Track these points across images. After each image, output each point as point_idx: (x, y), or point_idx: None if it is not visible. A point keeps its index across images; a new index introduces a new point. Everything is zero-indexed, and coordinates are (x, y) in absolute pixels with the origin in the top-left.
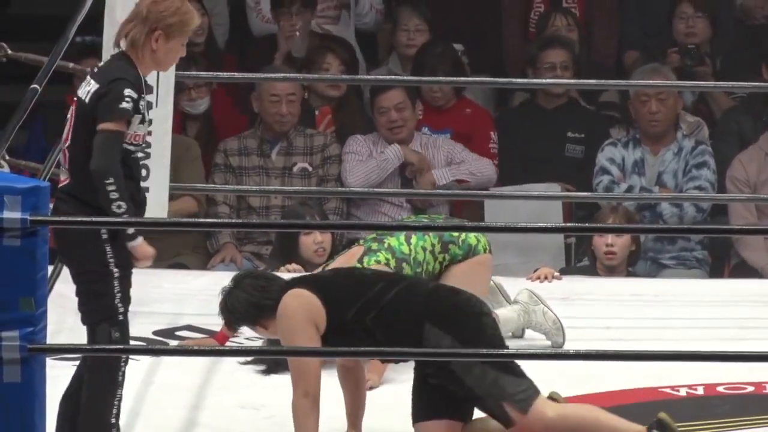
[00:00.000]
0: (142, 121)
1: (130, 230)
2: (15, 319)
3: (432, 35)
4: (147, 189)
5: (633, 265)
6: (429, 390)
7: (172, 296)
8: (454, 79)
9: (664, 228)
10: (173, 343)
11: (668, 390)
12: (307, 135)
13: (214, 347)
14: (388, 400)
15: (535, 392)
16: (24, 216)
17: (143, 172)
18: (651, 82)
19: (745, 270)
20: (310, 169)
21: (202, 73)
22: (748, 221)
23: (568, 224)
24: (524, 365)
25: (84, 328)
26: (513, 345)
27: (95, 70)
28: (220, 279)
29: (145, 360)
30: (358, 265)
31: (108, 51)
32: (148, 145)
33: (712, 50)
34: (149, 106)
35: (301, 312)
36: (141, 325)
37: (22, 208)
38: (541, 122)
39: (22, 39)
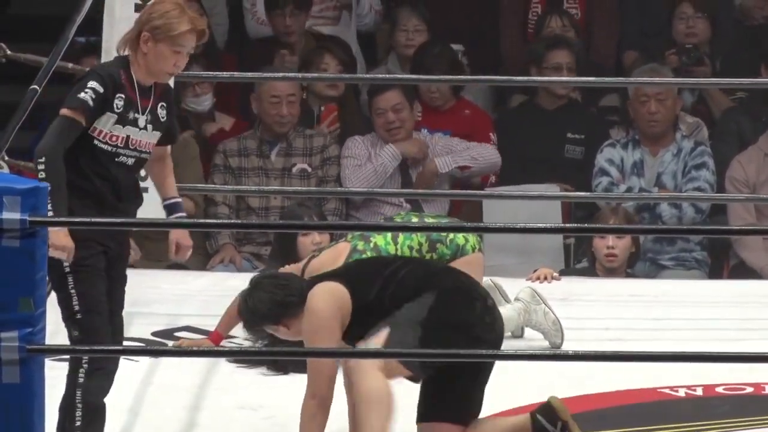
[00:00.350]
0: (121, 122)
1: (50, 212)
2: (14, 319)
3: (431, 35)
4: (146, 189)
5: (632, 266)
6: (435, 389)
7: (171, 297)
8: (454, 77)
9: (663, 228)
10: (172, 344)
11: (667, 390)
12: (306, 136)
13: (212, 348)
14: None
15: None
16: (23, 217)
17: (141, 173)
18: (652, 79)
19: (744, 271)
20: (310, 170)
21: (201, 72)
22: (748, 222)
23: (567, 225)
24: (524, 366)
25: None
26: (512, 346)
27: None
28: (220, 280)
29: (144, 361)
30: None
31: (108, 51)
32: (146, 152)
33: (711, 51)
34: (150, 113)
35: (331, 305)
36: (140, 326)
37: (22, 208)
38: (541, 123)
39: (21, 39)
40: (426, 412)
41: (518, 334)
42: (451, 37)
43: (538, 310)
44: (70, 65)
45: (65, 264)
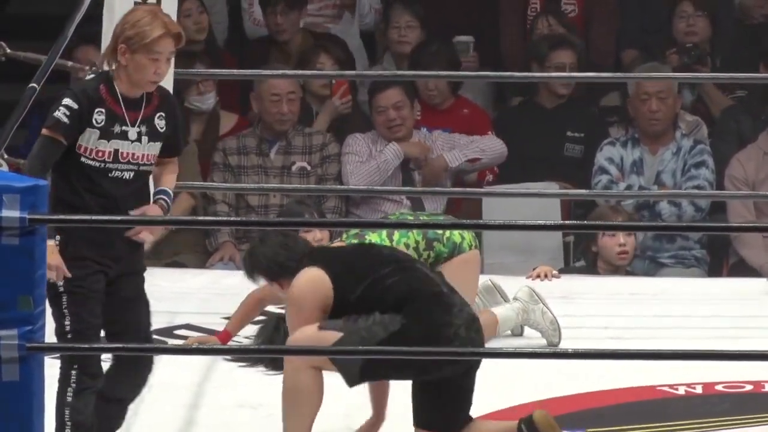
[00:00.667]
0: (106, 137)
1: None
2: (13, 318)
3: (426, 32)
4: None
5: (631, 264)
6: (424, 397)
7: (170, 295)
8: (454, 73)
9: (662, 225)
10: (172, 341)
11: (666, 388)
12: (305, 134)
13: (214, 346)
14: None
15: None
16: (23, 215)
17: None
18: (650, 75)
19: (743, 269)
20: (309, 168)
21: (201, 70)
22: (747, 220)
23: (566, 222)
24: (523, 364)
25: None
26: (511, 344)
27: None
28: (219, 277)
29: None
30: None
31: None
32: (146, 164)
33: (711, 49)
34: (143, 124)
35: (312, 295)
36: None
37: (21, 206)
38: (540, 121)
39: (20, 38)
40: (420, 419)
41: (518, 333)
42: (450, 34)
43: (536, 310)
44: (69, 63)
45: (59, 283)
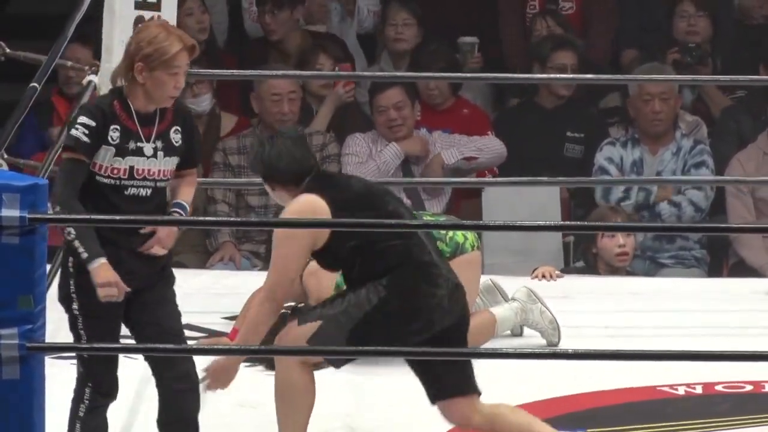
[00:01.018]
0: (121, 154)
1: (84, 253)
2: (14, 317)
3: (424, 30)
4: None
5: (630, 264)
6: (426, 367)
7: None
8: (454, 75)
9: (662, 226)
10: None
11: (667, 389)
12: (306, 135)
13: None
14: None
15: None
16: (23, 214)
17: None
18: (651, 76)
19: (743, 269)
20: None
21: (201, 70)
22: (747, 220)
23: (566, 222)
24: (523, 364)
25: None
26: (510, 344)
27: None
28: (219, 278)
29: (141, 359)
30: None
31: (108, 48)
32: (162, 180)
33: (712, 50)
34: (159, 139)
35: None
36: None
37: (21, 205)
38: (540, 122)
39: (20, 38)
40: (438, 392)
41: (517, 333)
42: (452, 34)
43: (534, 310)
44: (69, 63)
45: (75, 306)
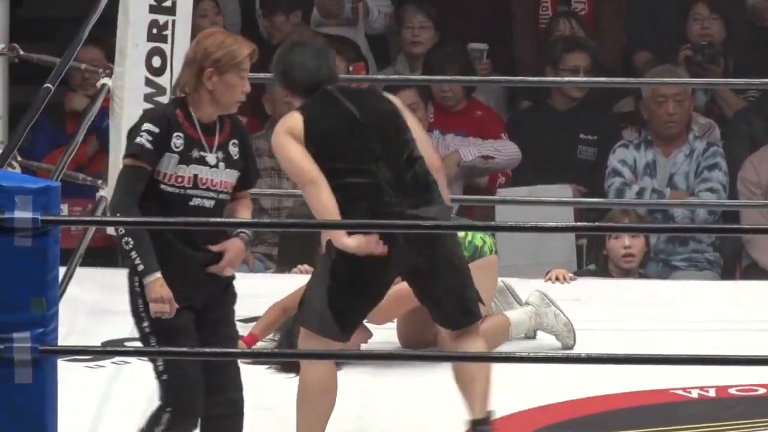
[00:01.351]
0: (185, 162)
1: (140, 265)
2: (26, 320)
3: (439, 33)
4: None
5: (644, 267)
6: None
7: None
8: (466, 78)
9: (675, 228)
10: None
11: (680, 392)
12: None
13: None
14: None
15: None
16: (35, 216)
17: None
18: (663, 80)
19: (756, 272)
20: None
21: None
22: (760, 223)
23: (578, 224)
24: (536, 367)
25: (96, 330)
26: (524, 347)
27: None
28: None
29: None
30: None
31: (122, 52)
32: (224, 192)
33: (725, 51)
34: (220, 150)
35: (292, 147)
36: None
37: (33, 207)
38: (553, 124)
39: (33, 40)
40: (448, 320)
41: (530, 335)
42: (466, 37)
43: (548, 313)
44: (83, 65)
45: (145, 325)
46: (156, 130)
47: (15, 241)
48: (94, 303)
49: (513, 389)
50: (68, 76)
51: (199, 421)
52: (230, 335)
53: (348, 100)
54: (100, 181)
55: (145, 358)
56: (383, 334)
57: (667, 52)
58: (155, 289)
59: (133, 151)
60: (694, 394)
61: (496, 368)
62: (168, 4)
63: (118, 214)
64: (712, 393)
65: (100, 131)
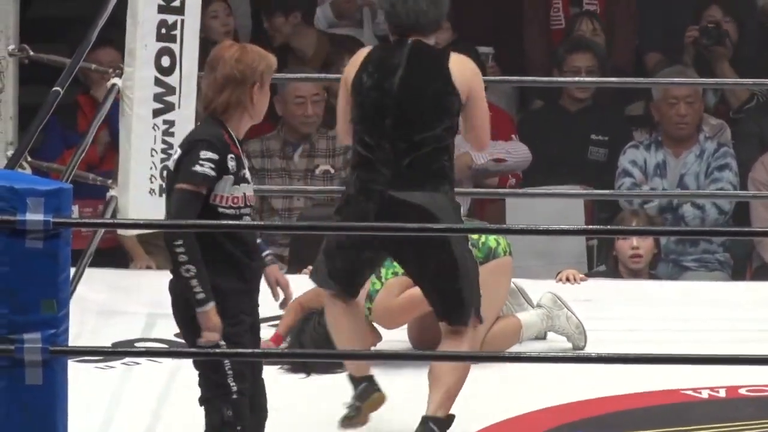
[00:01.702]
0: (237, 182)
1: (200, 295)
2: (37, 321)
3: (455, 35)
4: None
5: (654, 267)
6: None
7: None
8: None
9: (685, 230)
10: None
11: (690, 392)
12: (329, 137)
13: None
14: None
15: None
16: (47, 218)
17: None
18: (672, 80)
19: (767, 273)
20: (333, 171)
21: None
22: None
23: (589, 226)
24: (546, 368)
25: (106, 331)
26: (534, 348)
27: (184, 137)
28: None
29: (167, 362)
30: None
31: (131, 53)
32: (252, 206)
33: (736, 53)
34: (243, 165)
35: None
36: (162, 327)
37: (45, 209)
38: (564, 125)
39: (42, 41)
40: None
41: (541, 336)
42: (477, 38)
43: (560, 315)
44: (93, 66)
45: (222, 342)
46: (216, 157)
47: (26, 243)
48: (104, 304)
49: (523, 390)
50: (85, 78)
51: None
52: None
53: (406, 67)
54: (110, 181)
55: (157, 360)
56: (393, 335)
57: (679, 53)
58: (212, 318)
59: (194, 179)
60: (705, 394)
61: (505, 369)
62: (177, 3)
63: (180, 241)
64: (722, 393)
65: (114, 128)
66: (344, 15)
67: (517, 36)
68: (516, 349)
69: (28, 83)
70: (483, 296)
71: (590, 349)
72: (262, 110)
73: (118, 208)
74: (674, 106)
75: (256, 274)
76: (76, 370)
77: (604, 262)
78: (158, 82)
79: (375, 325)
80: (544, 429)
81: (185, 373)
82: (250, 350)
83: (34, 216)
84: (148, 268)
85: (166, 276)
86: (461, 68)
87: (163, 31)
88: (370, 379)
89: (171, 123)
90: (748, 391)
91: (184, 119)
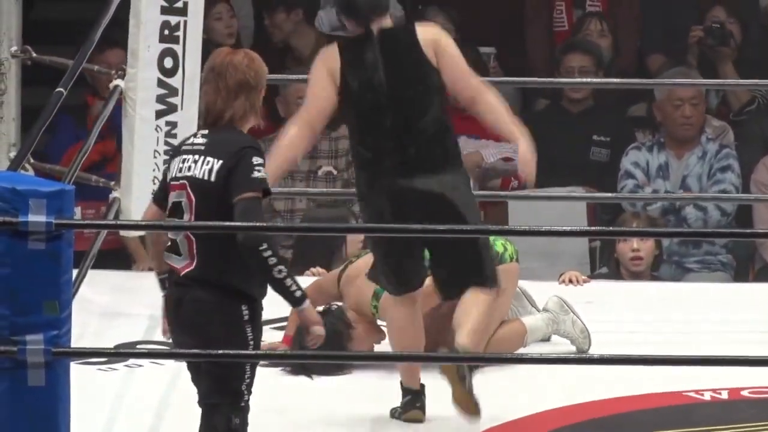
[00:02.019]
0: None
1: (298, 293)
2: (39, 322)
3: (459, 36)
4: None
5: (657, 269)
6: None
7: None
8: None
9: (687, 231)
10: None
11: (693, 394)
12: (332, 138)
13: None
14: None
15: None
16: (49, 219)
17: None
18: (673, 81)
19: None
20: (335, 172)
21: None
22: None
23: (591, 228)
24: (549, 369)
25: (109, 333)
26: (537, 350)
27: (202, 147)
28: None
29: (170, 364)
30: None
31: (133, 54)
32: None
33: (740, 54)
34: None
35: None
36: None
37: (47, 211)
38: (566, 126)
39: (45, 42)
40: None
41: (545, 338)
42: (480, 39)
43: (566, 320)
44: (96, 67)
45: (251, 341)
46: (263, 161)
47: (29, 244)
48: (106, 305)
49: (526, 391)
50: (92, 79)
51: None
52: None
53: (384, 61)
54: (113, 183)
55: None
56: None
57: (682, 54)
58: (314, 313)
59: (258, 186)
60: (707, 396)
61: (508, 370)
62: (179, 5)
63: (265, 245)
64: (724, 395)
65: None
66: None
67: (519, 38)
68: (520, 351)
69: (31, 85)
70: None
71: (592, 351)
72: (258, 112)
73: (121, 209)
74: (679, 108)
75: None
76: (78, 372)
77: (606, 264)
78: (161, 83)
79: (379, 323)
80: (546, 430)
81: (187, 375)
82: (254, 352)
83: (37, 217)
84: (151, 269)
85: None
86: (426, 37)
87: (166, 32)
88: (415, 393)
89: (174, 124)
90: (750, 392)
91: (187, 121)
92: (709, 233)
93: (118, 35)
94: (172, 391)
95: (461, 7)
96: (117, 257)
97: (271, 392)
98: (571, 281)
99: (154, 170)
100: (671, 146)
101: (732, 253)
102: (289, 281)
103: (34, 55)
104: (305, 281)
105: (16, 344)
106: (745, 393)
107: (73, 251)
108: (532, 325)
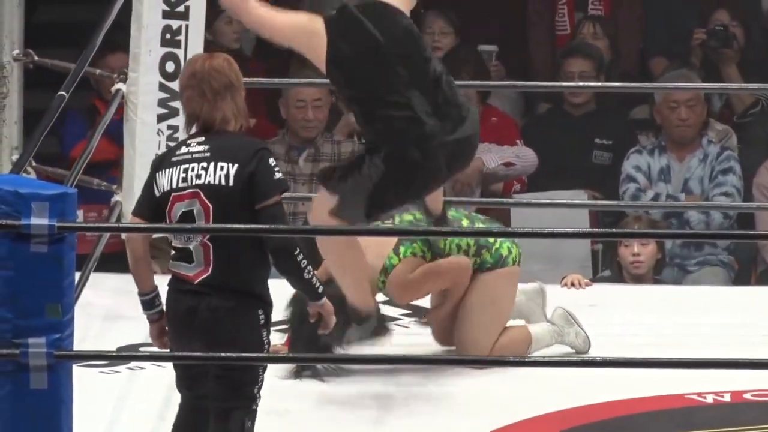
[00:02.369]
0: None
1: (321, 288)
2: (42, 325)
3: (459, 40)
4: None
5: (659, 272)
6: None
7: None
8: (477, 83)
9: (689, 233)
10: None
11: (695, 396)
12: (334, 141)
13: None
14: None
15: None
16: (51, 222)
17: None
18: (676, 84)
19: None
20: None
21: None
22: None
23: (593, 230)
24: (551, 372)
25: (111, 335)
26: (540, 352)
27: (208, 154)
28: None
29: (170, 366)
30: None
31: (135, 59)
32: None
33: (743, 57)
34: None
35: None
36: None
37: (50, 214)
38: (568, 129)
39: (47, 46)
40: None
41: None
42: (481, 37)
43: (570, 333)
44: (98, 71)
45: (265, 339)
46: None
47: (31, 247)
48: (109, 308)
49: (527, 395)
50: (96, 83)
51: None
52: None
53: (370, 21)
54: (115, 186)
55: (162, 365)
56: (404, 340)
57: (685, 57)
58: (331, 306)
59: (281, 187)
60: (710, 399)
61: (510, 373)
62: (181, 9)
63: (297, 249)
64: (727, 398)
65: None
66: None
67: (522, 42)
68: None
69: (33, 88)
70: (490, 303)
71: (594, 353)
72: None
73: (123, 213)
74: (675, 110)
75: None
76: (80, 375)
77: (608, 267)
78: (162, 87)
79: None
80: None
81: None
82: (257, 355)
83: (39, 220)
84: (153, 272)
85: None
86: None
87: (168, 36)
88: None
89: (175, 128)
90: (753, 395)
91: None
92: (711, 235)
93: (120, 39)
94: (174, 394)
95: (462, 6)
96: (119, 260)
97: (272, 395)
98: (573, 284)
99: None
100: (672, 149)
101: (734, 256)
102: (314, 280)
103: (37, 58)
104: None
105: (19, 347)
106: (747, 396)
107: (75, 254)
108: (538, 336)
